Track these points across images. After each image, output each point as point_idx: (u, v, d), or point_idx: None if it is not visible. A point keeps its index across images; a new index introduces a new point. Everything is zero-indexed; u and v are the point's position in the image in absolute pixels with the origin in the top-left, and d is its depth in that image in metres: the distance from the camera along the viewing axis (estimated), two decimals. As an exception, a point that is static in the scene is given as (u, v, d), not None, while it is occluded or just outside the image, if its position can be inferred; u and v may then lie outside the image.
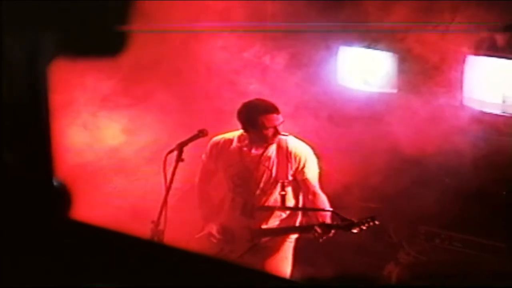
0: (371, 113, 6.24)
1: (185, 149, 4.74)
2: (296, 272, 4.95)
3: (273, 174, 4.79)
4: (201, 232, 5.01)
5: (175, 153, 4.72)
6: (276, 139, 4.78)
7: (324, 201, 4.78)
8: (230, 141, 4.91)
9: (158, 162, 4.87)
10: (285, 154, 4.79)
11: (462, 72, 5.90)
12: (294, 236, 4.94)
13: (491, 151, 5.90)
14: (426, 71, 6.01)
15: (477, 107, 5.93)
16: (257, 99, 4.90)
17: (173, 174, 4.67)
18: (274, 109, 4.76)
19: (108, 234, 1.60)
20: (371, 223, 4.58)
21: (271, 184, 4.80)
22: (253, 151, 4.84)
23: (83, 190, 5.83)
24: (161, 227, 4.61)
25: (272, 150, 4.82)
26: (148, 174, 6.21)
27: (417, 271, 5.89)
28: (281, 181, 4.79)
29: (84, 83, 5.97)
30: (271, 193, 4.81)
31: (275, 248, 4.88)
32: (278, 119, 4.74)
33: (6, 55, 1.28)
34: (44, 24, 1.29)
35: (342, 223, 4.59)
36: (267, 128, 4.73)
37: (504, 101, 5.79)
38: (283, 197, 4.80)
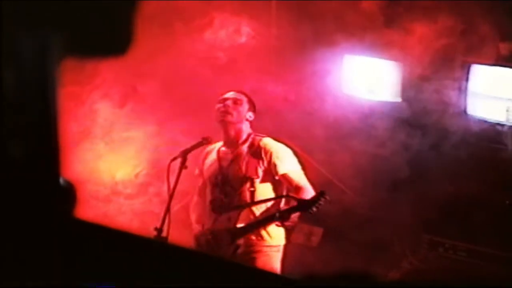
0: (375, 122, 6.25)
1: (189, 156, 4.75)
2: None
3: (243, 171, 4.78)
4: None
5: (178, 160, 4.73)
6: (228, 116, 4.80)
7: (308, 193, 4.67)
8: (213, 148, 4.95)
9: (162, 168, 4.87)
10: (255, 150, 4.79)
11: (466, 81, 5.91)
12: (280, 244, 4.86)
13: (495, 160, 5.90)
14: (429, 80, 6.02)
15: (481, 116, 5.93)
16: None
17: (177, 181, 4.67)
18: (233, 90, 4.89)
19: (112, 233, 1.60)
20: (322, 199, 4.52)
21: (242, 182, 4.78)
22: (227, 151, 4.87)
23: (88, 190, 5.87)
24: (164, 234, 4.60)
25: (244, 148, 4.83)
26: (152, 179, 6.23)
27: (420, 280, 5.88)
28: (250, 177, 4.77)
29: (89, 84, 6.02)
30: (243, 191, 4.76)
31: (260, 258, 4.78)
32: (233, 95, 4.86)
33: (15, 53, 1.29)
34: (53, 22, 1.29)
35: (296, 206, 4.57)
36: (219, 102, 4.85)
37: (508, 110, 5.79)
38: (252, 193, 4.77)
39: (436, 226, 6.12)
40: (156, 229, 4.61)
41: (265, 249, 4.78)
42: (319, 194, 4.54)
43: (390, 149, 6.07)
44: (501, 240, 5.79)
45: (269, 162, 4.75)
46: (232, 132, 4.84)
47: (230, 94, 4.89)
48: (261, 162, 4.76)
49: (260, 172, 4.76)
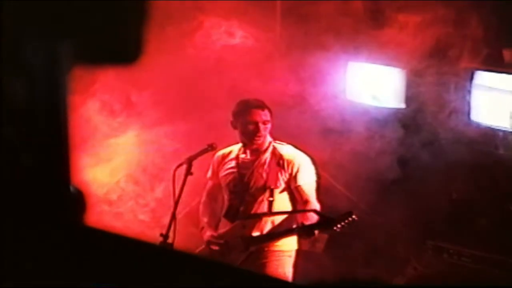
0: (378, 128, 6.26)
1: (194, 163, 4.77)
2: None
3: (264, 180, 4.78)
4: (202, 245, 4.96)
5: (184, 166, 4.75)
6: (261, 139, 4.78)
7: (316, 210, 4.69)
8: (230, 152, 4.93)
9: (168, 175, 4.88)
10: (278, 160, 4.78)
11: (469, 88, 5.92)
12: (292, 250, 4.88)
13: (499, 167, 5.91)
14: (433, 86, 6.04)
15: (484, 122, 5.94)
16: (249, 98, 4.94)
17: (182, 187, 4.69)
18: (258, 106, 4.78)
19: (120, 240, 1.62)
20: (349, 219, 4.53)
21: (261, 191, 4.77)
22: (248, 157, 4.85)
23: (95, 198, 5.87)
24: (170, 240, 4.62)
25: (266, 156, 4.82)
26: (158, 187, 6.23)
27: (424, 285, 5.88)
28: (270, 187, 4.78)
29: (98, 91, 6.03)
30: (261, 200, 4.77)
31: (273, 263, 4.81)
32: (261, 115, 4.76)
33: (26, 61, 1.31)
34: (63, 32, 1.32)
35: (322, 222, 4.57)
36: (249, 123, 4.75)
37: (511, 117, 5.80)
38: (270, 203, 4.77)
39: (440, 231, 6.12)
40: (161, 235, 4.63)
41: (277, 253, 4.79)
42: (347, 214, 4.54)
43: (394, 155, 6.08)
44: (506, 246, 5.78)
45: (291, 173, 4.75)
46: (255, 146, 4.84)
47: (257, 112, 4.77)
48: (283, 172, 4.76)
49: (280, 182, 4.77)
